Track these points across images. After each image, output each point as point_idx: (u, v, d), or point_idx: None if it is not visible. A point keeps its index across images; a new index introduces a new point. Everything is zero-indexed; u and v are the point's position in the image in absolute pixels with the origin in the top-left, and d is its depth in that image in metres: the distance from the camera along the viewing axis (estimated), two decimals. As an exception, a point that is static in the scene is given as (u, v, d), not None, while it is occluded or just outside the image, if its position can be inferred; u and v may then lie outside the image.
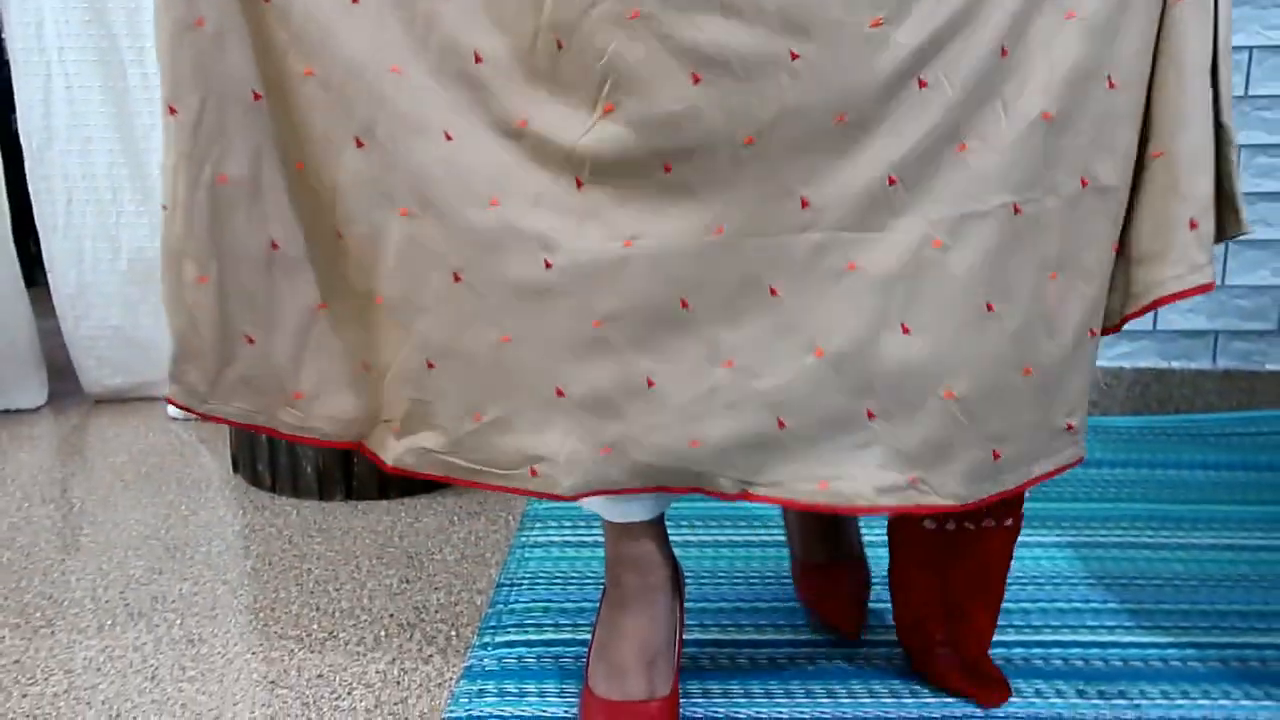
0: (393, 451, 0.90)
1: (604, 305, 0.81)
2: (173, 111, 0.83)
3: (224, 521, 1.44)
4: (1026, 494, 0.91)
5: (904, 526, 0.98)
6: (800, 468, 0.85)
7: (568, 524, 1.39)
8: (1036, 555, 1.30)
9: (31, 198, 1.90)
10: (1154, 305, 0.87)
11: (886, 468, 0.84)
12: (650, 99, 0.76)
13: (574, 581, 1.23)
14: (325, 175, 0.83)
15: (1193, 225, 0.83)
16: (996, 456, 0.85)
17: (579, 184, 0.80)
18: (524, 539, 1.35)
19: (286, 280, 0.88)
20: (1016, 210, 0.80)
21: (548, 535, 1.36)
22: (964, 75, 0.77)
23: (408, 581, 1.24)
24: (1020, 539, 1.01)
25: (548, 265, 0.81)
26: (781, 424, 0.83)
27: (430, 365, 0.86)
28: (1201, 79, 0.82)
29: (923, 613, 1.00)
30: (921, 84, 0.77)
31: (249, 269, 0.87)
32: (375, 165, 0.82)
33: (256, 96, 0.84)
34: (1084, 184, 0.81)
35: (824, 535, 1.14)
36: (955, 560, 0.97)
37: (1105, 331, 0.89)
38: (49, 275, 1.93)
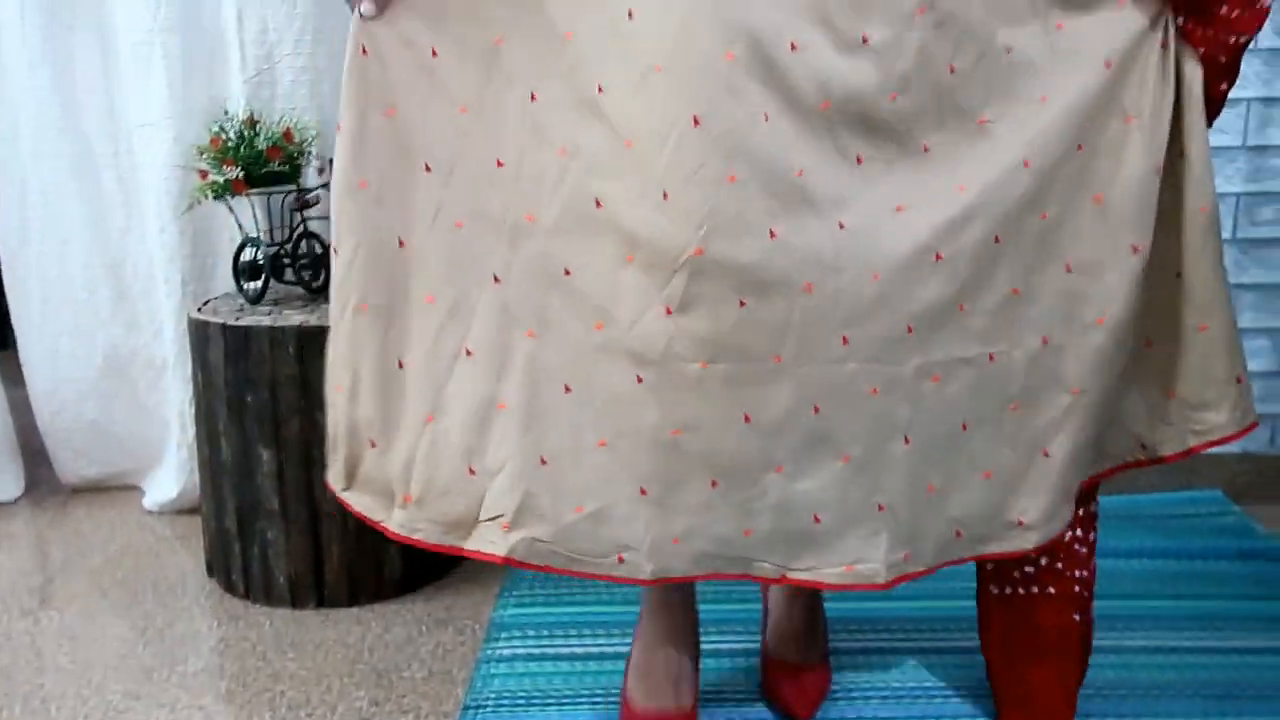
0: (505, 544, 1.03)
1: (682, 416, 0.99)
2: (335, 252, 1.04)
3: (200, 636, 1.49)
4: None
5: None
6: (830, 555, 1.05)
7: (531, 634, 1.45)
8: (963, 663, 1.36)
9: (7, 296, 1.94)
10: (1216, 443, 1.16)
11: (893, 549, 1.04)
12: (734, 246, 0.96)
13: (537, 702, 1.29)
14: (463, 306, 1.03)
15: (1239, 380, 1.14)
16: (959, 535, 1.09)
17: (668, 311, 0.98)
18: (490, 652, 1.40)
19: (407, 394, 1.05)
20: (991, 359, 1.06)
21: (513, 648, 1.41)
22: (969, 260, 1.03)
23: (377, 704, 1.30)
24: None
25: (639, 380, 0.99)
26: (817, 519, 1.04)
27: (543, 462, 1.03)
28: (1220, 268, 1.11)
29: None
30: (937, 257, 1.01)
31: (379, 383, 1.04)
32: (508, 297, 1.02)
33: (401, 244, 1.03)
34: (1044, 342, 1.07)
35: (798, 637, 1.31)
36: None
37: (1171, 459, 1.18)
38: (24, 370, 1.97)
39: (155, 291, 1.88)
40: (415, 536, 1.05)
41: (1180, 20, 1.08)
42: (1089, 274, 1.07)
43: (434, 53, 1.01)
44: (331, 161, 1.68)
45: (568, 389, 1.02)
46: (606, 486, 1.02)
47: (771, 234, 0.97)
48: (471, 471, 1.04)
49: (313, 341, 1.48)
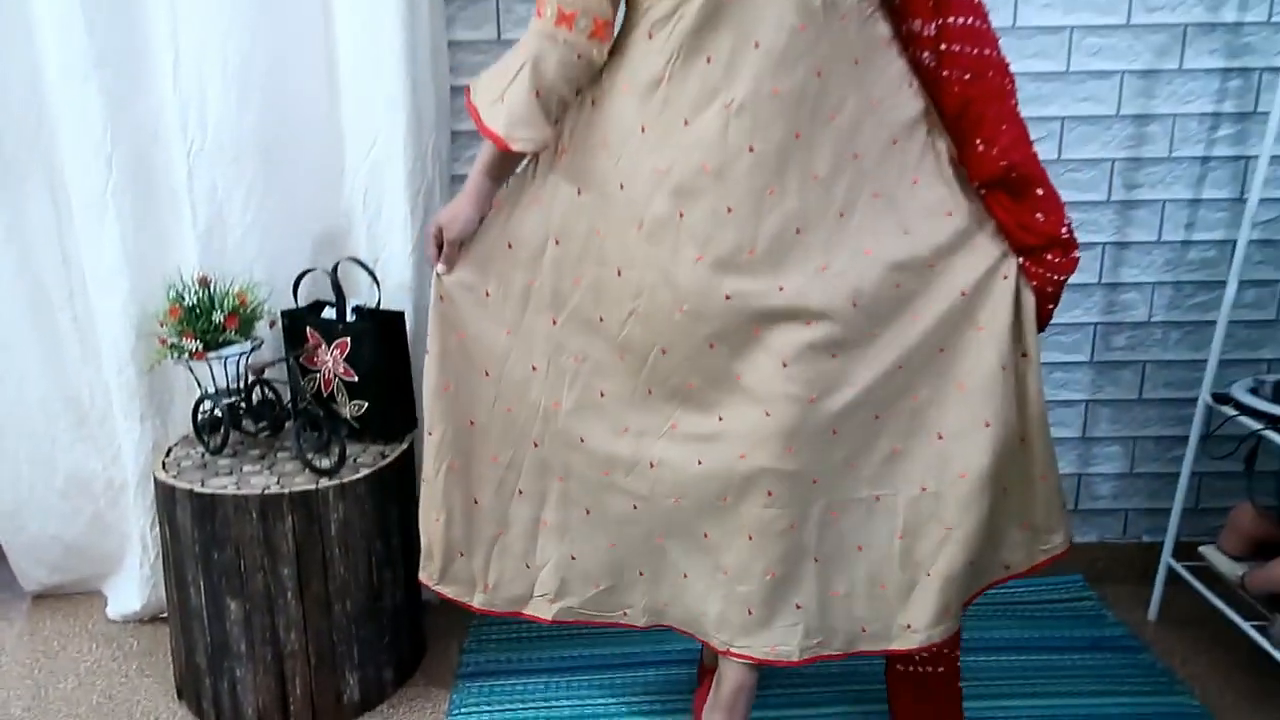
0: (550, 611, 1.61)
1: (663, 529, 1.53)
2: (430, 434, 1.56)
3: (178, 771, 1.65)
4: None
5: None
6: (760, 638, 1.48)
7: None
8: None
9: (-34, 424, 2.03)
10: (1056, 558, 1.55)
11: (808, 637, 1.48)
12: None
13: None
14: (515, 462, 1.57)
15: (1066, 509, 1.56)
16: (864, 631, 1.51)
17: (651, 465, 1.50)
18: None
19: (482, 522, 1.59)
20: (877, 499, 1.48)
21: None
22: (857, 432, 1.46)
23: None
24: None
25: (634, 507, 1.53)
26: (750, 612, 1.48)
27: (572, 559, 1.59)
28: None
29: None
30: (834, 432, 1.44)
31: (464, 515, 1.58)
32: (544, 455, 1.56)
33: (471, 424, 1.56)
34: (923, 489, 1.48)
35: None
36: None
37: (1025, 574, 1.56)
38: (-14, 491, 2.07)
39: (113, 419, 1.99)
40: (493, 608, 1.62)
41: (1020, 260, 1.44)
42: (955, 440, 1.46)
43: (486, 294, 1.53)
44: (281, 314, 1.84)
45: (587, 512, 1.57)
46: (615, 571, 1.58)
47: (719, 419, 1.47)
48: (527, 566, 1.60)
49: (274, 506, 1.63)
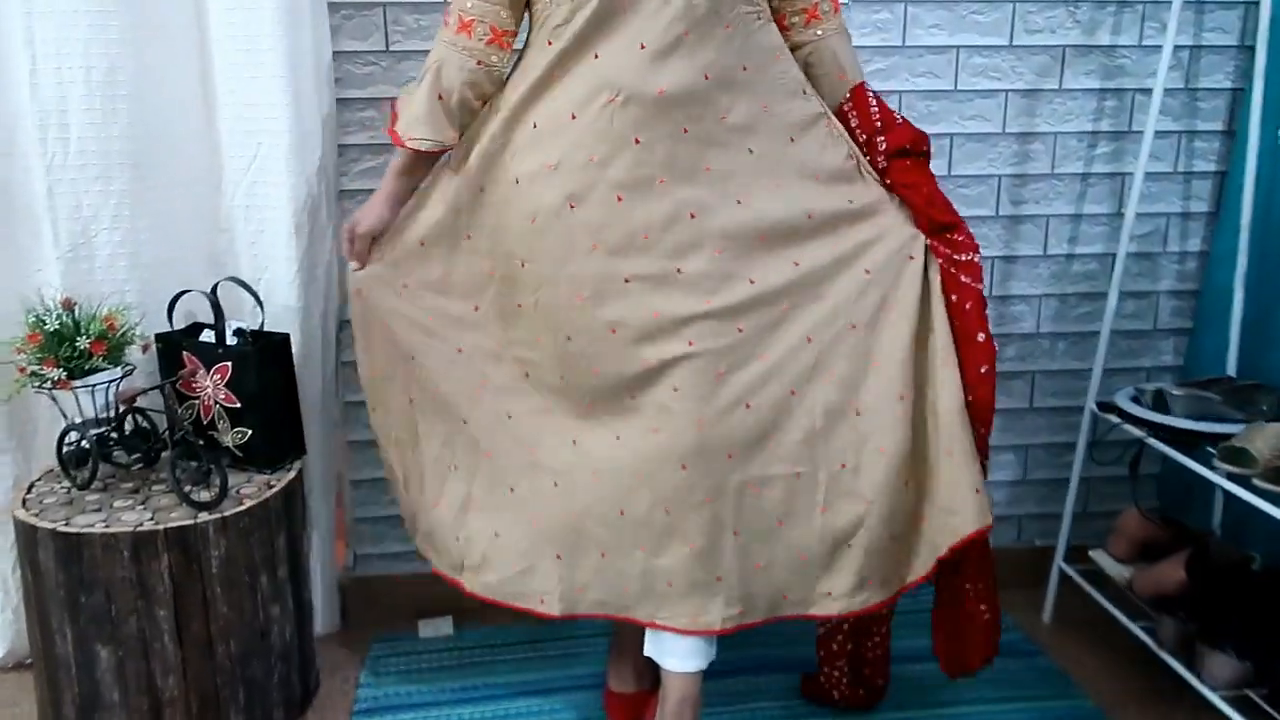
0: (473, 584, 1.62)
1: (581, 509, 1.53)
2: (373, 411, 1.67)
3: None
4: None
5: None
6: (680, 609, 1.50)
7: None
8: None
9: None
10: (964, 541, 1.51)
11: (729, 607, 1.50)
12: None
13: None
14: (449, 439, 1.65)
15: (978, 491, 1.50)
16: (785, 598, 1.54)
17: (574, 443, 1.55)
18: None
19: (426, 489, 1.68)
20: (797, 475, 1.50)
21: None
22: (771, 408, 1.50)
23: None
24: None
25: (555, 485, 1.55)
26: (670, 584, 1.50)
27: (496, 535, 1.60)
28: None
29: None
30: (747, 405, 1.48)
31: (414, 484, 1.68)
32: (474, 433, 1.62)
33: (410, 402, 1.64)
34: (842, 466, 1.51)
35: (636, 668, 1.74)
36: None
37: (932, 571, 1.55)
38: None
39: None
40: (439, 572, 1.68)
41: (928, 242, 1.50)
42: (872, 416, 1.50)
43: (404, 286, 1.59)
44: (155, 337, 1.74)
45: (511, 490, 1.60)
46: (535, 552, 1.57)
47: (631, 397, 1.50)
48: (456, 539, 1.64)
49: (147, 544, 1.53)
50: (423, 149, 1.51)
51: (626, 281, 1.45)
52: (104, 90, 1.69)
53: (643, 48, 1.40)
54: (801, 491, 1.50)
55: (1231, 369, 1.98)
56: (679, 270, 1.44)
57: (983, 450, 1.51)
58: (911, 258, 1.50)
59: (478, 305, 1.59)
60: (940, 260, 1.50)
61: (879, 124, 1.52)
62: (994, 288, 2.10)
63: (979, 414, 1.50)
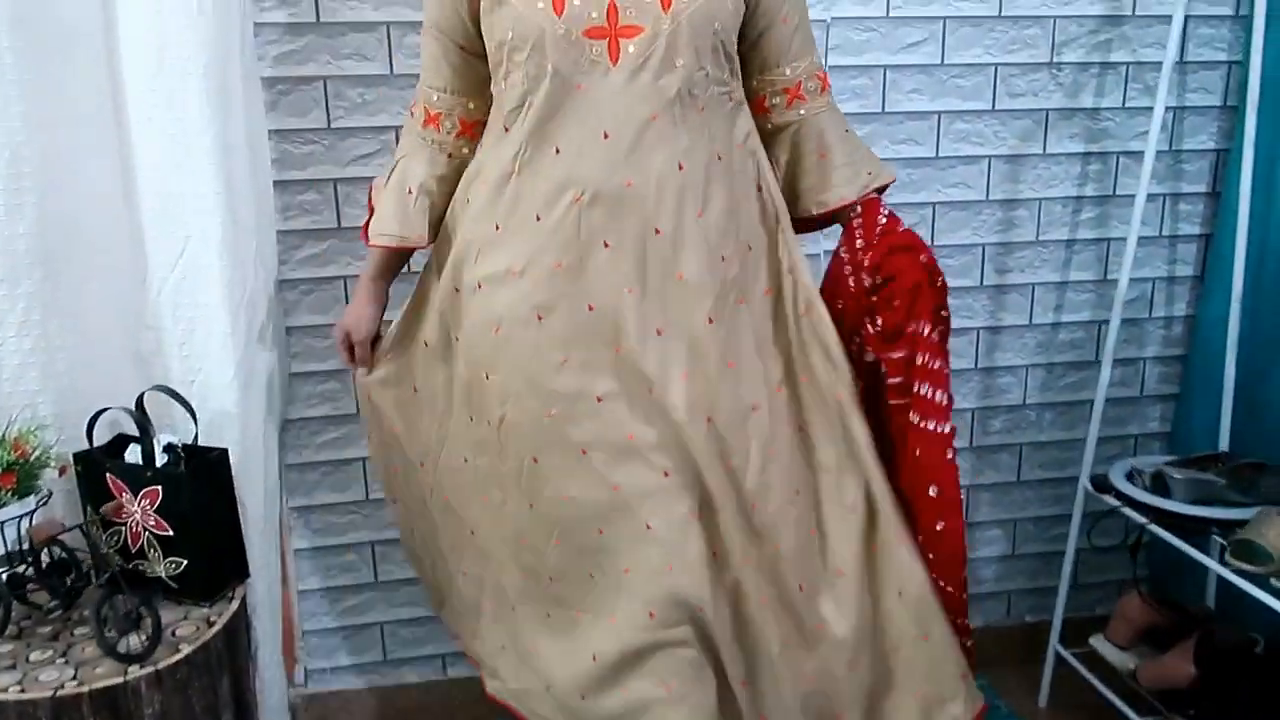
0: (490, 687, 1.56)
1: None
2: (394, 502, 1.66)
3: None
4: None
5: None
6: None
7: None
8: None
9: None
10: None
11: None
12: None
13: None
14: (456, 545, 1.57)
15: (964, 677, 1.38)
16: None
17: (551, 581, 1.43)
18: None
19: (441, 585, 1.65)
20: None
21: None
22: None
23: None
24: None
25: (548, 615, 1.46)
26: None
27: (502, 648, 1.53)
28: None
29: None
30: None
31: (430, 569, 1.66)
32: (482, 544, 1.51)
33: (424, 502, 1.59)
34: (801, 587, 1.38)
35: None
36: None
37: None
38: None
39: None
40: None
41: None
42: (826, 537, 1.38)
43: (414, 389, 1.52)
44: (74, 457, 1.55)
45: (513, 609, 1.48)
46: (534, 677, 1.46)
47: (599, 532, 1.35)
48: (474, 637, 1.59)
49: (70, 710, 1.34)
50: (390, 245, 1.44)
51: (599, 400, 1.32)
52: (7, 182, 1.49)
53: (606, 137, 1.26)
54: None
55: (1224, 441, 1.92)
56: (650, 390, 1.31)
57: (961, 618, 1.38)
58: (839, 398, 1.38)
59: (472, 415, 1.44)
60: (890, 396, 1.37)
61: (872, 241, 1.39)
62: (980, 359, 2.01)
63: (944, 570, 1.36)
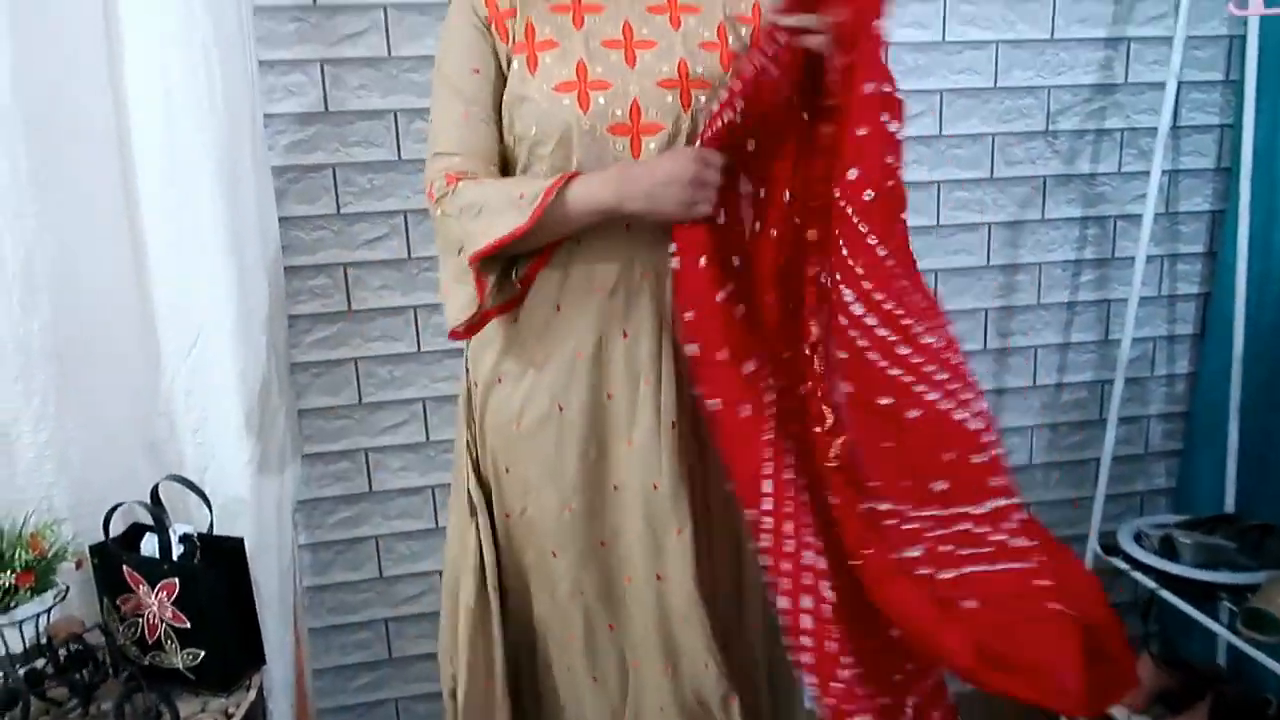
0: None
1: None
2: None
3: None
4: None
5: None
6: None
7: None
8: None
9: None
10: None
11: None
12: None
13: None
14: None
15: None
16: None
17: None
18: None
19: None
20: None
21: None
22: None
23: None
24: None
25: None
26: None
27: None
28: None
29: None
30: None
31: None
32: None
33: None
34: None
35: None
36: None
37: None
38: None
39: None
40: None
41: None
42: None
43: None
44: (89, 550, 1.56)
45: None
46: None
47: (610, 627, 1.38)
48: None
49: (92, 813, 1.34)
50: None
51: (615, 489, 1.33)
52: (22, 281, 1.51)
53: (628, 228, 1.27)
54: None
55: (1230, 500, 1.93)
56: (655, 486, 1.31)
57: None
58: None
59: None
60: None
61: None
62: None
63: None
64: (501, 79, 1.29)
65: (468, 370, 1.41)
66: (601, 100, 1.24)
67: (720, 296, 1.23)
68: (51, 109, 1.51)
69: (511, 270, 1.30)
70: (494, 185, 1.26)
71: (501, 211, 1.22)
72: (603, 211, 1.23)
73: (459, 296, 1.28)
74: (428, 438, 1.83)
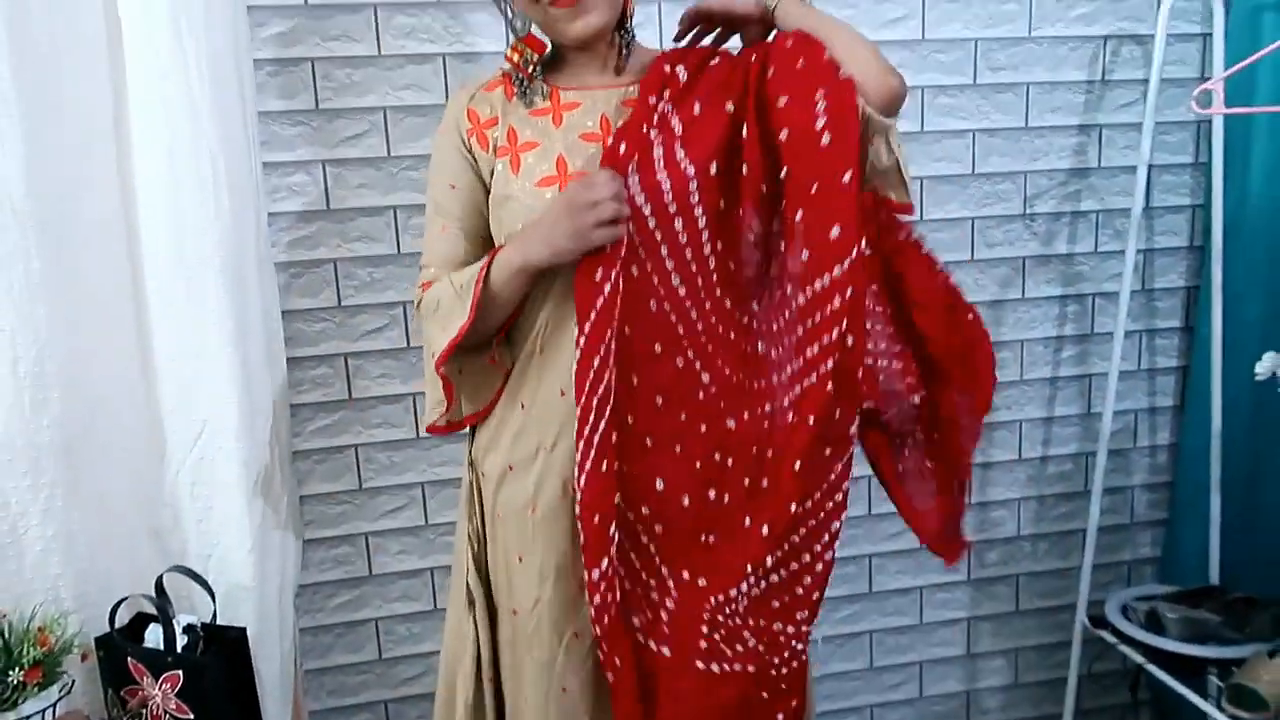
0: None
1: None
2: None
3: None
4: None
5: None
6: None
7: None
8: None
9: None
10: None
11: None
12: None
13: None
14: None
15: None
16: None
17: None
18: None
19: None
20: None
21: None
22: None
23: None
24: None
25: None
26: None
27: None
28: None
29: None
30: None
31: None
32: None
33: None
34: None
35: None
36: None
37: None
38: None
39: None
40: None
41: None
42: None
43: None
44: (95, 642, 1.58)
45: None
46: None
47: None
48: None
49: None
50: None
51: None
52: (33, 380, 1.55)
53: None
54: None
55: (1214, 571, 1.97)
56: None
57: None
58: None
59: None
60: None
61: None
62: (973, 495, 2.06)
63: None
64: (482, 186, 1.35)
65: (472, 463, 1.43)
66: None
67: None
68: (63, 211, 1.56)
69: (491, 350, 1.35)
70: (444, 283, 1.31)
71: (451, 310, 1.28)
72: (517, 271, 1.25)
73: (431, 395, 1.36)
74: (427, 521, 1.87)
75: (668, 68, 1.26)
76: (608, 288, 1.22)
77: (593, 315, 1.22)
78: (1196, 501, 2.02)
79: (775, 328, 1.25)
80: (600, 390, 1.24)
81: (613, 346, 1.23)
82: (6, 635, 1.48)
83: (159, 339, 1.66)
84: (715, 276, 1.26)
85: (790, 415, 1.21)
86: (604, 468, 1.25)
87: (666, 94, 1.24)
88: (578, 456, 1.25)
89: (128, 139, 1.61)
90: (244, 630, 1.61)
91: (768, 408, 1.25)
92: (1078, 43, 1.93)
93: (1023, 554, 2.11)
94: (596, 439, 1.24)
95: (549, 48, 1.34)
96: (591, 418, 1.24)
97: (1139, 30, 1.94)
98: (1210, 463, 1.95)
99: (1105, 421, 1.93)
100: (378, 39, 1.70)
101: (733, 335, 1.28)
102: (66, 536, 1.62)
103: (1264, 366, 1.62)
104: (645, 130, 1.23)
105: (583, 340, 1.23)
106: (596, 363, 1.23)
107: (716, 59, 1.28)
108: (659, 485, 1.29)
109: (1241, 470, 1.97)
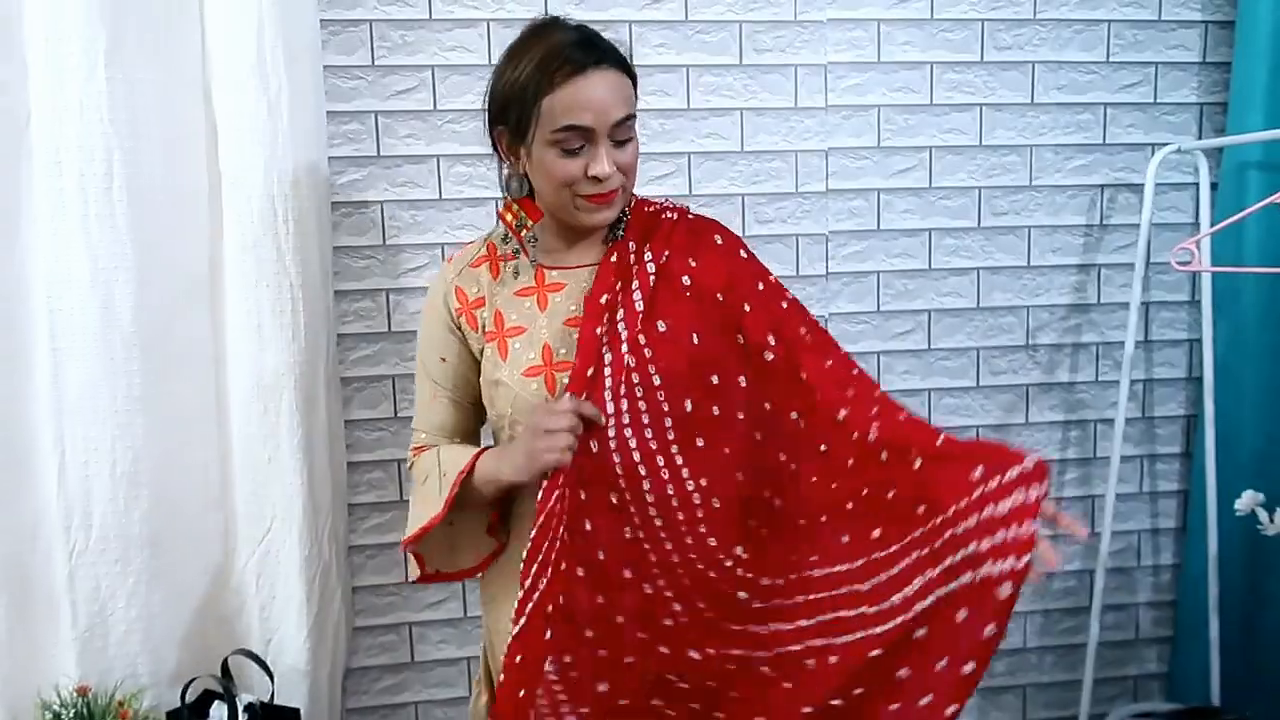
0: None
1: None
2: None
3: None
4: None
5: None
6: None
7: None
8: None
9: None
10: None
11: None
12: None
13: None
14: None
15: None
16: None
17: None
18: None
19: None
20: None
21: None
22: None
23: None
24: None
25: None
26: None
27: None
28: None
29: None
30: None
31: None
32: None
33: None
34: None
35: None
36: None
37: None
38: None
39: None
40: None
41: None
42: None
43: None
44: (167, 716, 1.76)
45: None
46: None
47: None
48: None
49: None
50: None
51: None
52: (128, 480, 1.77)
53: None
54: None
55: (1215, 693, 2.04)
56: None
57: None
58: None
59: None
60: None
61: None
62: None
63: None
64: (472, 359, 1.42)
65: (485, 627, 1.50)
66: (566, 380, 1.31)
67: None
68: (163, 336, 1.80)
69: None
70: (434, 456, 1.39)
71: (427, 497, 1.37)
72: (491, 479, 1.33)
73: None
74: (465, 613, 2.03)
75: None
76: (552, 503, 1.26)
77: (539, 520, 1.27)
78: (1198, 621, 2.10)
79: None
80: (535, 598, 1.26)
81: (553, 558, 1.26)
82: (92, 707, 1.68)
83: (237, 446, 1.87)
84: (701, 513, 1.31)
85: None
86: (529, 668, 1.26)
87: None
88: (515, 629, 1.26)
89: (220, 275, 1.85)
90: (298, 711, 1.79)
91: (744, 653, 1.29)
92: (1076, 190, 2.10)
93: (1028, 665, 2.20)
94: (528, 633, 1.26)
95: (544, 216, 1.35)
96: (529, 608, 1.26)
97: (1134, 180, 2.10)
98: (1209, 585, 2.03)
99: (1104, 541, 2.03)
100: (429, 4, 1.91)
101: (712, 575, 1.31)
102: (147, 619, 1.83)
103: (1243, 503, 1.73)
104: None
105: (528, 544, 1.27)
106: (534, 569, 1.26)
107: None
108: (601, 688, 1.31)
109: (1240, 595, 2.05)
